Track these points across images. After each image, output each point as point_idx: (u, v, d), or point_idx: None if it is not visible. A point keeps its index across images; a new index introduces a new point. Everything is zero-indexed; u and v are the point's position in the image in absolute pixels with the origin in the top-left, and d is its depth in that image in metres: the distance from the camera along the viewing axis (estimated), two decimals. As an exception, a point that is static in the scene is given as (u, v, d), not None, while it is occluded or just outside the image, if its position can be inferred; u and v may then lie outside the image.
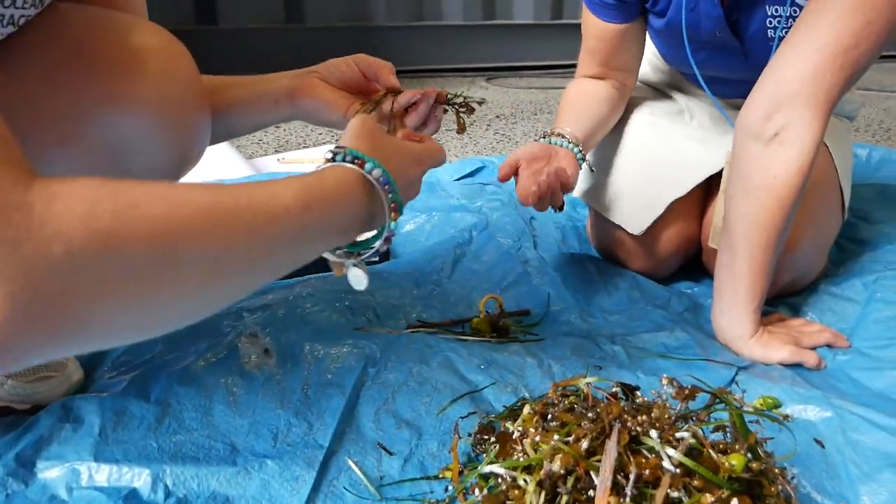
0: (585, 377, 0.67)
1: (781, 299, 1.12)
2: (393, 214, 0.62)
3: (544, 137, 1.04)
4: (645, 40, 1.15)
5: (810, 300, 1.11)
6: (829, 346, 0.99)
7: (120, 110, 0.62)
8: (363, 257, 0.64)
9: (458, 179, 1.57)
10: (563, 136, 1.03)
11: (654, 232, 1.12)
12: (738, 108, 1.13)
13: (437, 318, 0.97)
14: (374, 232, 0.65)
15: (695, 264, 1.19)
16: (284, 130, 2.20)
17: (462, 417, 0.75)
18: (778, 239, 0.91)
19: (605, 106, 1.13)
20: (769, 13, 0.95)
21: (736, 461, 0.55)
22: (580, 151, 1.03)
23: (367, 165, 0.60)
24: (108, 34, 0.62)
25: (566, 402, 0.64)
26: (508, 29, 3.28)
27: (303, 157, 1.83)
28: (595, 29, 1.11)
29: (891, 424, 0.76)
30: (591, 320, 1.01)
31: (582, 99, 1.13)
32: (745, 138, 0.90)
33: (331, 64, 0.82)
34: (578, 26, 1.15)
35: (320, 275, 1.09)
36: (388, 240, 0.64)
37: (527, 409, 0.65)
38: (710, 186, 1.17)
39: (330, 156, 0.61)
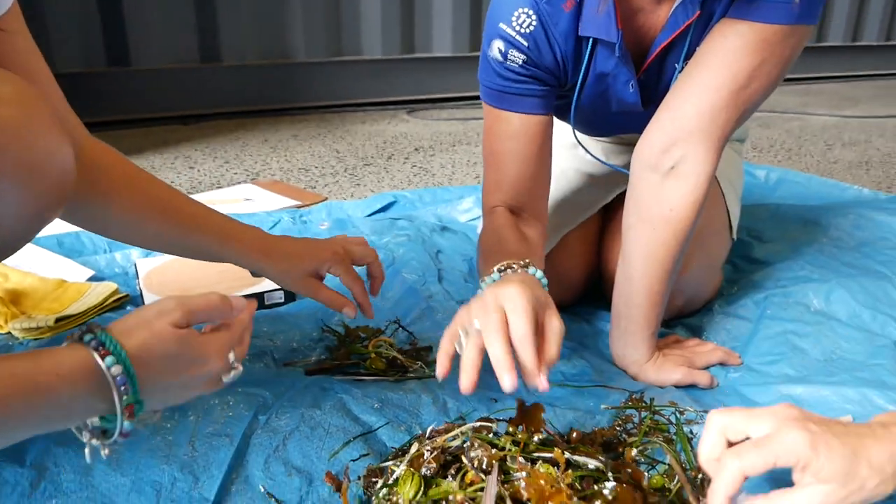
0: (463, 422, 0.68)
1: (678, 320, 1.16)
2: (126, 415, 0.57)
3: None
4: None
5: (705, 320, 1.15)
6: (722, 364, 1.03)
7: None
8: (98, 441, 0.59)
9: (370, 215, 1.58)
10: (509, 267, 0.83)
11: (554, 262, 1.15)
12: (628, 142, 1.18)
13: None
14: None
15: (596, 290, 1.22)
16: (198, 171, 2.17)
17: (353, 460, 0.74)
18: (673, 267, 0.94)
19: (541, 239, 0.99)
20: (677, 69, 0.91)
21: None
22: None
23: (108, 360, 0.55)
24: None
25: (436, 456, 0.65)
26: (428, 62, 3.33)
27: (214, 199, 1.80)
28: (510, 129, 0.94)
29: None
30: (492, 352, 1.01)
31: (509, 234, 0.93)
32: (642, 170, 0.92)
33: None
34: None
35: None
36: (124, 433, 0.58)
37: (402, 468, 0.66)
38: (606, 214, 1.20)
39: (78, 333, 0.57)
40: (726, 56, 0.84)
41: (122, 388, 0.55)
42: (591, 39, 0.88)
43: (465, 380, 0.68)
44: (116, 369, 0.55)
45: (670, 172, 0.89)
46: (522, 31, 0.87)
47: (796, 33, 0.84)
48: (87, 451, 0.60)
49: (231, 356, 0.65)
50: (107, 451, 0.59)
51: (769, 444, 0.57)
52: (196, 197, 1.83)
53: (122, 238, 0.86)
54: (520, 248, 0.91)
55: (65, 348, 0.56)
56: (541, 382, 0.68)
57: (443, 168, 2.26)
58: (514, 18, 0.87)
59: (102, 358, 0.55)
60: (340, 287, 0.92)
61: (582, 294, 1.22)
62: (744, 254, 1.37)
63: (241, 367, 0.67)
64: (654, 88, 0.95)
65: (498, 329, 0.68)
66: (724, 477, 0.58)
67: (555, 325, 0.73)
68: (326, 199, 1.82)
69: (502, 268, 0.83)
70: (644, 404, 0.83)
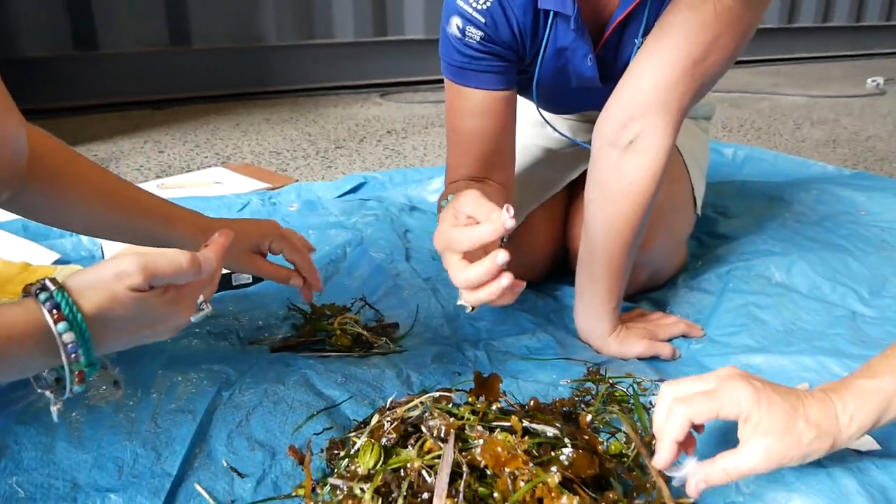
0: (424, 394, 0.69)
1: (643, 294, 1.17)
2: (77, 380, 0.57)
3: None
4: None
5: (669, 294, 1.16)
6: (684, 336, 1.05)
7: None
8: (52, 394, 0.58)
9: (340, 196, 1.57)
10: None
11: (521, 239, 1.15)
12: (592, 119, 1.18)
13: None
14: None
15: (562, 267, 1.23)
16: (168, 156, 2.15)
17: (316, 434, 0.75)
18: (633, 241, 0.95)
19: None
20: (636, 44, 0.92)
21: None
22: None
23: (61, 325, 0.54)
24: None
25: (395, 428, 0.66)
26: (401, 45, 3.31)
27: (184, 182, 1.79)
28: (471, 105, 0.95)
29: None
30: (458, 328, 1.03)
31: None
32: (602, 145, 0.93)
33: None
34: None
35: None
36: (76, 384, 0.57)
37: (363, 439, 0.67)
38: (572, 191, 1.21)
39: (36, 287, 0.55)
40: (682, 30, 0.85)
41: (73, 355, 0.55)
42: (549, 12, 0.88)
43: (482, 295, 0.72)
44: (68, 336, 0.54)
45: (629, 147, 0.90)
46: (479, 7, 0.87)
47: (753, 7, 0.85)
48: (52, 408, 0.59)
49: (200, 298, 0.65)
50: (60, 406, 0.58)
51: (715, 394, 0.60)
52: (165, 181, 1.82)
53: (66, 225, 0.84)
54: None
55: (17, 307, 0.55)
56: (503, 218, 0.65)
57: (415, 150, 2.25)
58: None
59: (56, 322, 0.54)
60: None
61: (548, 271, 1.23)
62: (708, 229, 1.39)
63: (209, 308, 0.66)
64: (612, 64, 0.95)
65: (453, 261, 0.71)
66: (671, 421, 0.61)
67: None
68: (297, 181, 1.81)
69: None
70: (601, 377, 0.84)
